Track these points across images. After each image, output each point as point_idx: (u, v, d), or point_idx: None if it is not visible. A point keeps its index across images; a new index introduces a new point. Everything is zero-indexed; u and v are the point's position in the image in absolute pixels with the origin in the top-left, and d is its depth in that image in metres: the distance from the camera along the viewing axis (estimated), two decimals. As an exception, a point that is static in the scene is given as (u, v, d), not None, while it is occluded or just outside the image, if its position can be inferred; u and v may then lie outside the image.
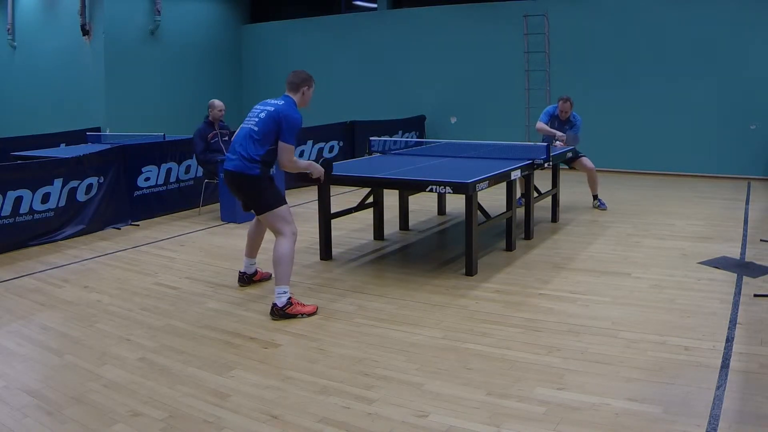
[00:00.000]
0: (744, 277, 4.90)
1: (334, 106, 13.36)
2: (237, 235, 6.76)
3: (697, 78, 10.12)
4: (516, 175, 5.65)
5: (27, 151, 8.25)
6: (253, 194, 4.41)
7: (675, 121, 10.38)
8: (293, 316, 4.27)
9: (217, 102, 7.69)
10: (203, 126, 7.64)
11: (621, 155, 10.83)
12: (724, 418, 2.83)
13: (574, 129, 7.65)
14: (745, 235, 6.24)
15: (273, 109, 4.31)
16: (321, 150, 10.23)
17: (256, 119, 4.34)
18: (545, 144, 6.27)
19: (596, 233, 6.49)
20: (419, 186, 5.21)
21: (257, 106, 4.45)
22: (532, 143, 7.19)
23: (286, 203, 4.45)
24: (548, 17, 11.19)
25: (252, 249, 4.93)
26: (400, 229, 6.79)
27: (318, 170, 4.67)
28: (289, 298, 4.30)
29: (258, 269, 5.05)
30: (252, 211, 4.53)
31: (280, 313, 4.26)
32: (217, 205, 7.73)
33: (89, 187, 6.89)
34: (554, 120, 7.73)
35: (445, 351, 3.71)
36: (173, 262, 5.82)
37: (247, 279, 4.99)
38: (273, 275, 4.47)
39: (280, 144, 4.28)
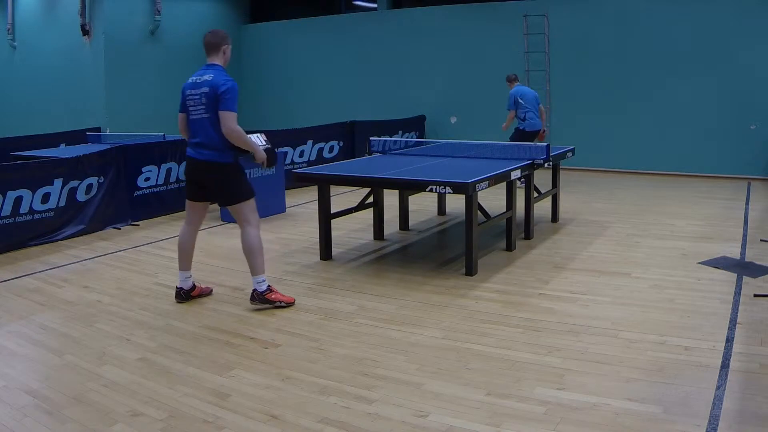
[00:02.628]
0: (744, 277, 4.90)
1: (334, 106, 13.38)
2: (237, 235, 6.70)
3: (697, 78, 10.13)
4: (516, 175, 5.66)
5: (27, 151, 8.25)
6: (227, 183, 4.33)
7: (675, 121, 10.38)
8: (272, 303, 4.36)
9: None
10: None
11: (621, 155, 10.83)
12: (724, 418, 2.83)
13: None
14: (745, 235, 6.24)
15: (208, 88, 4.18)
16: (321, 150, 10.23)
17: (202, 106, 4.22)
18: (545, 144, 6.27)
19: (596, 233, 6.49)
20: (419, 186, 5.21)
21: (192, 91, 4.28)
22: (532, 143, 7.20)
23: (254, 196, 4.46)
24: (548, 17, 11.20)
25: (187, 260, 4.59)
26: (400, 229, 6.79)
27: (261, 155, 4.42)
28: (269, 285, 4.40)
29: (196, 283, 4.73)
30: (217, 203, 4.51)
31: (260, 297, 4.35)
32: (217, 205, 7.71)
33: (89, 187, 6.89)
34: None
35: (445, 351, 3.71)
36: (173, 262, 5.80)
37: (185, 295, 4.61)
38: (249, 266, 4.42)
39: (221, 113, 4.14)
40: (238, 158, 4.39)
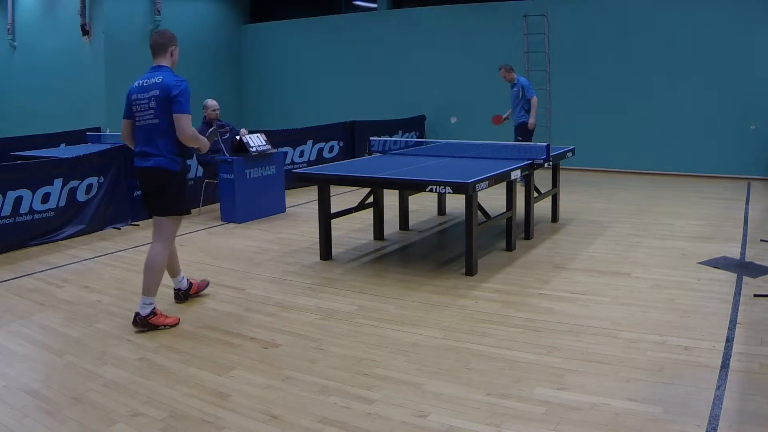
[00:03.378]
0: (744, 277, 4.89)
1: (334, 106, 13.38)
2: (237, 235, 6.77)
3: (697, 78, 10.13)
4: (516, 175, 5.66)
5: (27, 151, 8.25)
6: (166, 192, 4.09)
7: (675, 121, 10.38)
8: (156, 326, 4.09)
9: (210, 102, 7.71)
10: (202, 126, 7.64)
11: (621, 155, 10.83)
12: (724, 418, 2.83)
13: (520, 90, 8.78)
14: (745, 235, 6.24)
15: (158, 91, 3.94)
16: (321, 150, 10.23)
17: (152, 111, 3.97)
18: (545, 144, 6.27)
19: (596, 233, 6.49)
20: (419, 186, 5.20)
21: (139, 95, 4.03)
22: (532, 143, 7.20)
23: (184, 215, 4.26)
24: (548, 17, 11.20)
25: (172, 268, 4.50)
26: (400, 229, 6.79)
27: (206, 143, 4.27)
28: (154, 308, 4.12)
29: (191, 280, 4.70)
30: (150, 211, 4.23)
31: (143, 322, 4.07)
32: (217, 205, 7.73)
33: (89, 187, 6.89)
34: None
35: (445, 351, 3.71)
36: (173, 262, 5.82)
37: (183, 295, 4.60)
38: (143, 285, 4.13)
39: (176, 116, 3.92)
40: (185, 167, 4.21)
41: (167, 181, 4.08)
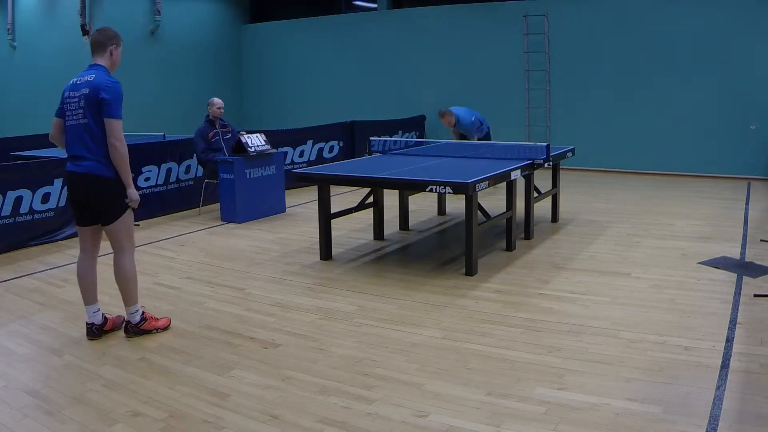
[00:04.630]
0: (744, 277, 4.89)
1: (334, 106, 13.38)
2: (237, 235, 6.77)
3: (697, 78, 10.12)
4: (516, 175, 5.66)
5: (27, 151, 8.24)
6: (105, 199, 3.79)
7: (675, 121, 10.38)
8: (148, 331, 4.01)
9: (215, 100, 7.71)
10: (204, 125, 7.65)
11: (621, 155, 10.83)
12: (724, 418, 2.83)
13: (471, 131, 8.92)
14: (745, 235, 6.23)
15: (88, 90, 3.69)
16: (321, 150, 10.23)
17: (81, 111, 3.72)
18: (545, 144, 6.26)
19: (596, 233, 6.49)
20: (419, 186, 5.20)
21: (70, 93, 3.79)
22: (532, 143, 7.20)
23: (133, 209, 3.97)
24: (548, 17, 11.20)
25: (90, 292, 3.99)
26: (400, 229, 6.79)
27: (134, 195, 3.88)
28: (143, 313, 4.04)
29: (106, 315, 4.12)
30: (99, 223, 3.91)
31: (135, 330, 3.98)
32: (217, 205, 7.73)
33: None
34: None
35: (445, 351, 3.71)
36: (173, 262, 5.82)
37: (97, 331, 3.99)
38: (122, 296, 3.99)
39: (106, 120, 3.66)
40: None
41: (103, 188, 3.77)
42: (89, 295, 3.98)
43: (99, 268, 5.65)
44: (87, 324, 4.00)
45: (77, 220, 3.98)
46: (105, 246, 6.35)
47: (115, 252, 3.95)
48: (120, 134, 3.70)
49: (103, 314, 4.06)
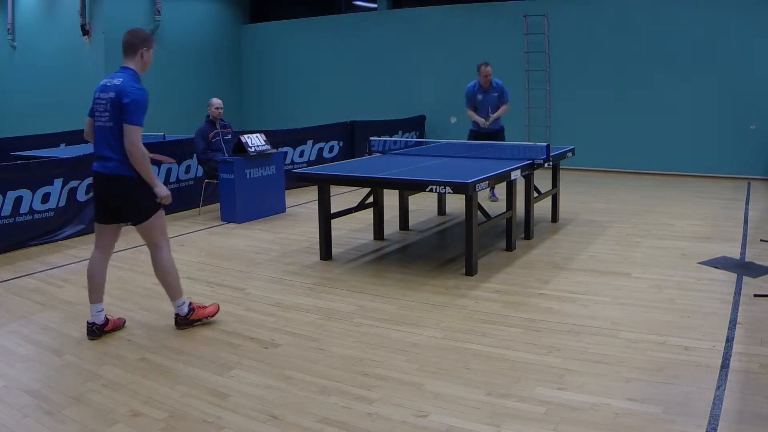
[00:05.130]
0: (744, 277, 4.89)
1: (334, 106, 13.37)
2: (237, 235, 6.76)
3: (697, 78, 10.12)
4: (516, 175, 5.66)
5: (27, 151, 8.24)
6: (130, 199, 3.88)
7: (675, 121, 10.37)
8: (198, 321, 4.12)
9: (214, 100, 7.71)
10: (204, 125, 7.65)
11: (621, 155, 10.83)
12: (724, 418, 2.83)
13: (505, 96, 8.06)
14: (745, 235, 6.23)
15: (114, 94, 3.76)
16: (321, 150, 10.23)
17: (107, 114, 3.81)
18: (545, 144, 6.26)
19: (596, 233, 6.49)
20: (419, 186, 5.20)
21: (99, 95, 3.88)
22: (532, 143, 7.19)
23: (162, 208, 4.00)
24: (548, 17, 11.20)
25: (98, 291, 4.02)
26: (400, 229, 6.79)
27: (162, 191, 3.92)
28: (190, 304, 4.12)
29: (108, 316, 4.11)
30: (124, 222, 4.01)
31: (185, 321, 4.09)
32: (217, 205, 7.73)
33: (89, 187, 6.88)
34: (477, 95, 8.10)
35: (445, 351, 3.71)
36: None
37: (98, 330, 4.00)
38: (166, 292, 4.08)
39: (125, 126, 3.71)
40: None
41: (127, 188, 3.85)
42: (96, 294, 4.01)
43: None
44: (88, 323, 4.01)
45: (98, 217, 4.05)
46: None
47: (151, 250, 4.03)
48: (135, 140, 3.73)
49: (105, 315, 4.07)
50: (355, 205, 6.28)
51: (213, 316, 4.23)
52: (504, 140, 8.06)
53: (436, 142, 8.22)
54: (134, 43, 3.92)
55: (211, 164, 7.54)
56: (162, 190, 3.91)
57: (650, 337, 3.79)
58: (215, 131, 7.64)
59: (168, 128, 10.37)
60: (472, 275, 5.10)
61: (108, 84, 3.85)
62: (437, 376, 3.38)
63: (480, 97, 8.09)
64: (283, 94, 14.43)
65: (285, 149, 9.32)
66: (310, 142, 10.04)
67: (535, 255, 5.73)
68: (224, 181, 7.31)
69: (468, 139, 8.11)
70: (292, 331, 4.07)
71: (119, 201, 3.91)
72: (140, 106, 3.74)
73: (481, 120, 8.03)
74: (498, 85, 8.10)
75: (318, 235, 5.79)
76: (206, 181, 7.88)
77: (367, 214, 6.59)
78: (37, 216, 6.39)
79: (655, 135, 10.53)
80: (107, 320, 4.07)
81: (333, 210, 5.84)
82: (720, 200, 8.21)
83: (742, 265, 5.20)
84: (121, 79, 3.81)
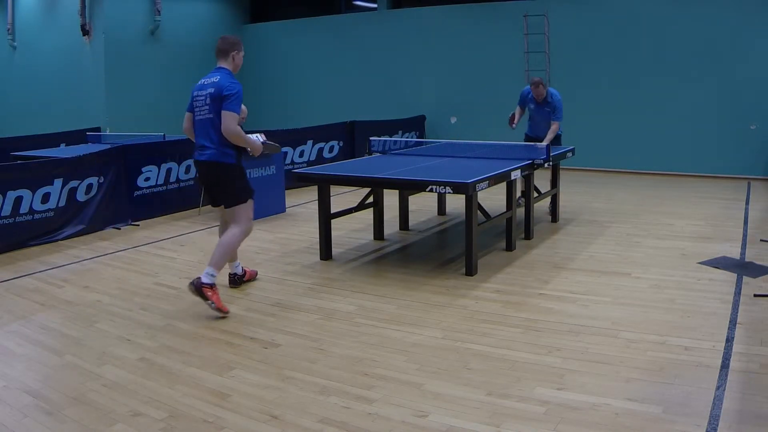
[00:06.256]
0: (744, 277, 4.90)
1: (334, 106, 13.37)
2: (237, 235, 6.76)
3: (698, 78, 10.12)
4: (516, 175, 5.66)
5: (27, 151, 8.24)
6: (227, 184, 4.43)
7: (675, 121, 10.38)
8: (206, 298, 4.26)
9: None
10: None
11: (621, 155, 10.83)
12: (724, 418, 2.83)
13: (557, 113, 7.62)
14: (745, 235, 6.23)
15: (213, 89, 4.31)
16: (321, 150, 10.23)
17: (207, 107, 4.33)
18: (545, 144, 6.27)
19: (596, 233, 6.49)
20: (419, 186, 5.20)
21: (198, 92, 4.41)
22: (532, 143, 7.19)
23: (253, 198, 4.56)
24: (548, 17, 11.19)
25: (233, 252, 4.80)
26: (400, 229, 6.79)
27: (258, 147, 4.57)
28: (214, 284, 4.34)
29: (245, 268, 5.08)
30: (221, 205, 4.57)
31: (198, 285, 4.26)
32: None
33: (89, 187, 6.89)
34: (529, 103, 7.83)
35: (445, 351, 3.71)
36: (173, 262, 5.82)
37: (238, 280, 4.95)
38: (211, 257, 4.44)
39: (224, 113, 4.24)
40: (240, 160, 4.45)
41: (225, 173, 4.39)
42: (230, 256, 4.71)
43: (99, 267, 5.65)
44: (230, 274, 4.93)
45: (210, 202, 4.82)
46: (103, 247, 6.36)
47: (231, 225, 4.51)
48: (232, 123, 4.26)
49: (242, 267, 5.00)
50: (355, 205, 6.28)
51: (219, 311, 4.32)
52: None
53: (436, 142, 8.21)
54: (226, 48, 4.51)
55: None
56: (254, 143, 4.52)
57: (650, 337, 3.79)
58: None
59: (168, 128, 10.36)
60: (472, 275, 5.10)
61: (206, 82, 4.40)
62: (437, 376, 3.38)
63: (532, 106, 7.77)
64: (283, 94, 14.43)
65: (285, 149, 9.31)
66: (310, 142, 10.04)
67: (535, 255, 5.73)
68: (224, 181, 7.30)
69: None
70: (292, 331, 4.07)
71: (213, 184, 4.50)
72: (238, 97, 4.29)
73: (513, 119, 7.77)
74: (553, 101, 7.60)
75: (318, 235, 5.79)
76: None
77: (367, 214, 6.59)
78: (37, 216, 6.39)
79: (655, 135, 10.53)
80: (245, 271, 5.01)
81: (333, 210, 5.84)
82: (720, 200, 8.21)
83: (742, 265, 5.21)
84: (219, 77, 4.36)
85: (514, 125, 7.80)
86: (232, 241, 4.45)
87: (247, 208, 4.50)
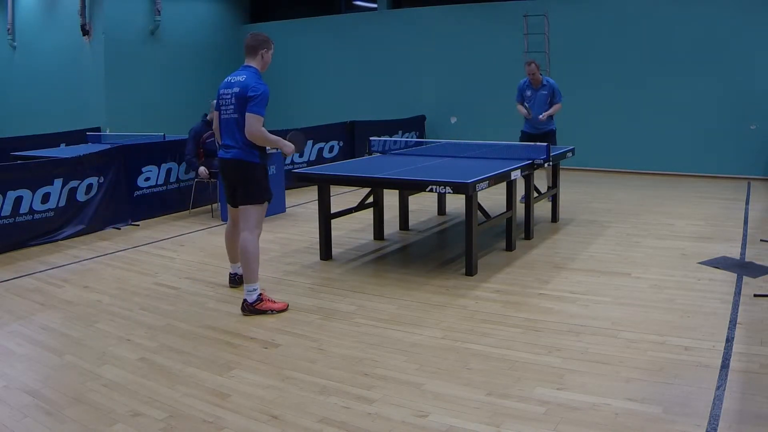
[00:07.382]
0: (744, 277, 4.89)
1: (334, 106, 13.37)
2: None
3: (698, 78, 10.12)
4: (516, 175, 5.66)
5: (27, 151, 8.25)
6: (250, 182, 4.36)
7: (675, 121, 10.37)
8: (263, 312, 4.32)
9: (215, 102, 7.67)
10: (200, 125, 7.58)
11: (621, 155, 10.83)
12: (724, 418, 2.83)
13: (557, 96, 7.92)
14: (745, 235, 6.23)
15: (239, 89, 4.24)
16: (321, 150, 10.23)
17: (232, 107, 4.28)
18: (545, 144, 6.26)
19: (596, 233, 6.49)
20: (419, 186, 5.21)
21: (224, 90, 4.35)
22: (532, 143, 7.19)
23: (270, 201, 4.55)
24: (548, 17, 11.19)
25: (234, 252, 4.79)
26: (400, 229, 6.79)
27: (289, 147, 4.55)
28: (260, 294, 4.36)
29: None
30: (239, 206, 4.47)
31: (250, 308, 4.32)
32: (208, 207, 7.74)
33: (89, 187, 6.89)
34: (526, 91, 7.97)
35: (445, 351, 3.71)
36: (173, 262, 5.82)
37: (238, 280, 4.90)
38: (242, 274, 4.44)
39: (248, 115, 4.19)
40: (264, 159, 4.42)
41: (247, 172, 4.33)
42: (233, 255, 4.82)
43: (99, 267, 5.65)
44: (230, 274, 4.94)
45: (228, 200, 4.61)
46: (103, 247, 6.36)
47: (242, 230, 4.40)
48: (255, 128, 4.20)
49: None
50: (355, 205, 6.28)
51: (280, 311, 4.36)
52: (556, 143, 7.80)
53: (436, 142, 8.21)
54: (255, 46, 4.46)
55: (193, 170, 7.51)
56: (288, 148, 4.53)
57: (650, 337, 3.79)
58: (210, 131, 7.60)
59: (168, 128, 10.38)
60: (472, 275, 5.10)
61: (232, 81, 4.34)
62: (437, 376, 3.38)
63: (529, 93, 7.96)
64: (283, 94, 14.39)
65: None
66: (310, 142, 10.04)
67: (535, 255, 5.73)
68: (224, 181, 7.29)
69: (520, 140, 7.90)
70: (292, 331, 4.07)
71: (234, 182, 4.40)
72: (264, 99, 4.23)
73: (524, 111, 7.88)
74: (549, 83, 7.95)
75: (318, 235, 5.79)
76: (195, 180, 7.80)
77: (367, 214, 6.59)
78: (37, 216, 6.39)
79: (655, 135, 10.53)
80: None
81: (333, 210, 5.84)
82: (720, 200, 8.21)
83: (742, 265, 5.20)
84: (245, 76, 4.30)
85: (529, 115, 7.94)
86: (248, 248, 4.33)
87: (260, 210, 4.43)
